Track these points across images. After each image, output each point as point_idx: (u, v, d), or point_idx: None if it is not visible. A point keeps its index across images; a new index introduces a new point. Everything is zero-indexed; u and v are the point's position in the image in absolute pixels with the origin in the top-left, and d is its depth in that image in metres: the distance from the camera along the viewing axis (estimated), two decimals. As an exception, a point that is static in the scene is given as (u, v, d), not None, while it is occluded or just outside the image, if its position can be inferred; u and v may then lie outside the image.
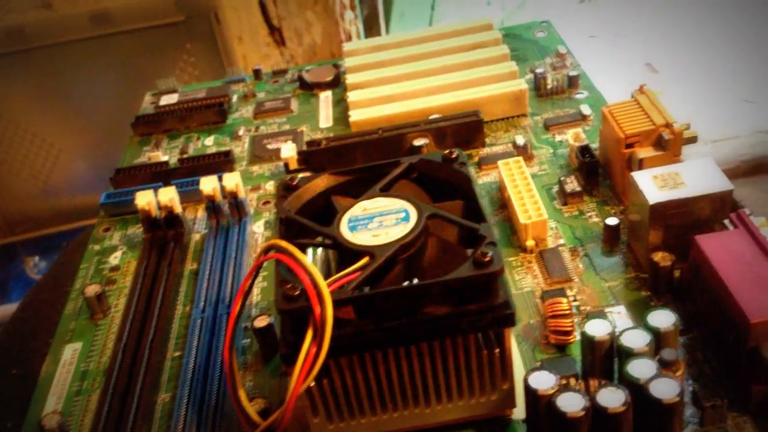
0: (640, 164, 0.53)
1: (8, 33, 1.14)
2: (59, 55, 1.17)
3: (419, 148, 0.62)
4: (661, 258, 0.47)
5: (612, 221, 0.52)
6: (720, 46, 0.74)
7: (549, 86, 0.71)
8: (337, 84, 0.80)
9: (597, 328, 0.41)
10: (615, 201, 0.56)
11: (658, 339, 0.40)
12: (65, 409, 0.47)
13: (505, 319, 0.37)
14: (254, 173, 0.68)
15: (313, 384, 0.38)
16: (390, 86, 0.71)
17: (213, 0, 1.15)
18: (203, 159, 0.69)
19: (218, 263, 0.56)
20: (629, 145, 0.54)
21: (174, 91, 0.82)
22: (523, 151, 0.62)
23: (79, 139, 1.25)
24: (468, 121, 0.64)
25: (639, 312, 0.46)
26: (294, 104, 0.78)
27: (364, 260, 0.38)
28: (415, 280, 0.39)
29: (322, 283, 0.35)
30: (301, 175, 0.46)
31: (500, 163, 0.58)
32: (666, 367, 0.38)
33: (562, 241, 0.53)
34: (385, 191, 0.43)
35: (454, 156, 0.44)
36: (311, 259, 0.43)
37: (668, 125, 0.53)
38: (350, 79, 0.74)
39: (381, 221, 0.40)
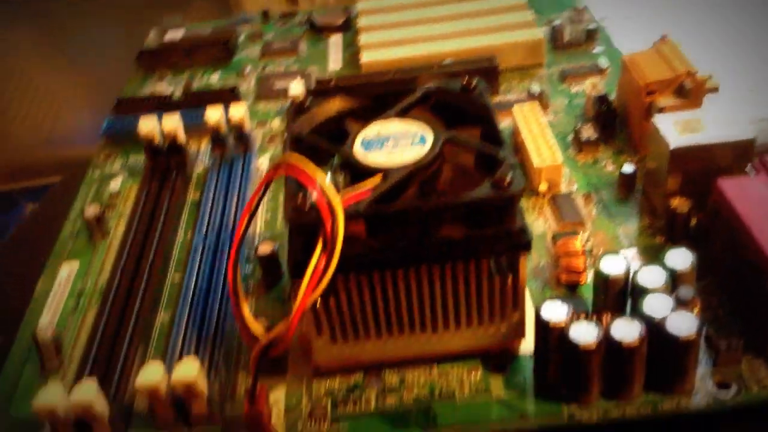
0: (660, 113, 0.51)
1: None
2: (64, 3, 1.14)
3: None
4: (678, 203, 0.46)
5: (628, 168, 0.51)
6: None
7: (566, 39, 0.69)
8: (347, 28, 0.78)
9: (612, 265, 0.40)
10: (631, 151, 0.55)
11: (675, 278, 0.39)
12: (60, 325, 0.45)
13: (522, 245, 0.35)
14: (260, 110, 0.67)
15: (319, 302, 0.37)
16: (403, 30, 0.70)
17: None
18: (208, 93, 0.67)
19: (222, 194, 0.54)
20: (650, 93, 0.52)
21: (180, 27, 0.80)
22: (539, 99, 0.61)
23: (82, 89, 1.22)
24: (483, 66, 0.63)
25: (653, 257, 0.45)
26: (302, 46, 0.76)
27: (378, 179, 0.36)
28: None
29: (335, 196, 0.34)
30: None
31: (515, 107, 0.57)
32: (682, 305, 0.37)
33: (575, 187, 0.52)
34: (401, 115, 0.41)
35: (473, 85, 0.42)
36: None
37: (690, 74, 0.52)
38: (362, 21, 0.72)
39: (396, 142, 0.38)
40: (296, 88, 0.64)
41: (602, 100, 0.58)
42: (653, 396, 0.37)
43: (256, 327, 0.36)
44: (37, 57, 1.19)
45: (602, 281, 0.40)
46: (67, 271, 0.50)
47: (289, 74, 0.71)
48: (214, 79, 0.73)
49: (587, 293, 0.44)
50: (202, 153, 0.61)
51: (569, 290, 0.44)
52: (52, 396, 0.36)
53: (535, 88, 0.61)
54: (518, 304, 0.38)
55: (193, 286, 0.46)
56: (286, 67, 0.73)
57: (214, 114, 0.58)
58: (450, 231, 0.36)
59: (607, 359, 0.36)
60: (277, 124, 0.64)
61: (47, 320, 0.46)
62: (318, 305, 0.37)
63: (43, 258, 0.52)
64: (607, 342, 0.35)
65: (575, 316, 0.37)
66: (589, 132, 0.56)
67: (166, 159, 0.58)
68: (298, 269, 0.34)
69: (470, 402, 0.38)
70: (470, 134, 0.41)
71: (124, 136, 0.63)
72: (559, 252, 0.45)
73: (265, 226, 0.52)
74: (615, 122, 0.57)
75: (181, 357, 0.41)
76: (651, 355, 0.36)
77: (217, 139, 0.59)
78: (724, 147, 0.45)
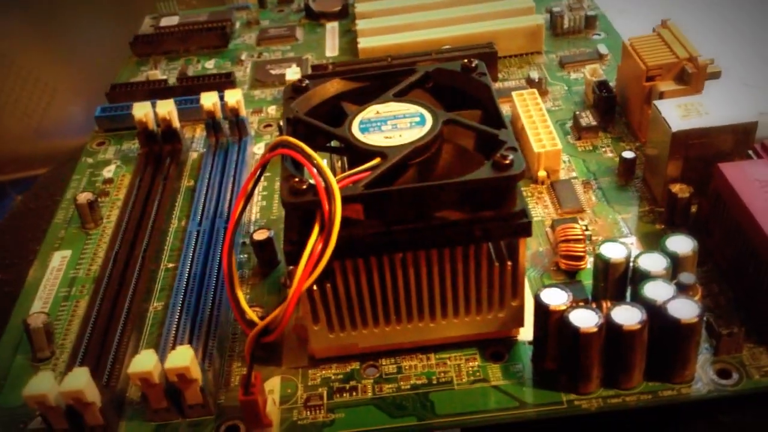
0: (661, 98, 0.51)
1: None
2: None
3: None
4: (679, 189, 0.45)
5: (628, 154, 0.50)
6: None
7: (566, 25, 0.68)
8: (344, 15, 0.77)
9: (612, 251, 0.39)
10: (631, 137, 0.54)
11: (676, 264, 0.38)
12: (52, 313, 0.45)
13: (521, 229, 0.35)
14: (256, 97, 0.66)
15: (315, 288, 0.36)
16: (401, 16, 0.69)
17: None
18: (203, 79, 0.66)
19: (216, 180, 0.54)
20: (650, 78, 0.52)
21: (175, 14, 0.79)
22: (538, 86, 0.60)
23: (74, 80, 1.21)
24: (481, 52, 0.62)
25: (652, 244, 0.45)
26: (299, 33, 0.75)
27: (376, 161, 0.36)
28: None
29: (331, 178, 0.33)
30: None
31: (514, 94, 0.56)
32: (683, 290, 0.37)
33: (574, 174, 0.51)
34: (400, 97, 0.41)
35: (473, 65, 0.41)
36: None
37: (692, 59, 0.51)
38: (360, 7, 0.71)
39: (395, 124, 0.38)
40: (293, 73, 0.63)
41: (602, 85, 0.57)
42: (653, 384, 0.37)
43: (251, 313, 0.35)
44: (27, 45, 1.18)
45: (603, 266, 0.39)
46: (59, 259, 0.49)
47: (285, 61, 0.70)
48: (210, 65, 0.72)
49: (587, 278, 0.43)
50: (197, 139, 0.61)
51: (569, 277, 0.44)
52: (42, 384, 0.35)
53: (534, 74, 0.61)
54: (517, 291, 0.37)
55: (187, 274, 0.45)
56: (283, 53, 0.73)
57: (209, 100, 0.57)
58: (449, 213, 0.35)
59: (607, 345, 0.35)
60: (272, 110, 0.63)
61: (39, 308, 0.45)
62: (314, 291, 0.36)
63: (33, 247, 0.51)
64: (607, 326, 0.35)
65: (575, 302, 0.36)
66: (588, 119, 0.55)
67: (160, 146, 0.57)
68: (293, 255, 0.33)
69: (468, 390, 0.38)
70: (471, 115, 0.40)
71: (118, 122, 0.62)
72: (558, 238, 0.44)
73: (261, 214, 0.51)
74: (614, 108, 0.56)
75: (174, 345, 0.40)
76: (652, 342, 0.36)
77: (212, 125, 0.58)
78: (725, 131, 0.45)
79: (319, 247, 0.33)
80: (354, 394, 0.38)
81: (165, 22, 0.77)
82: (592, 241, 0.46)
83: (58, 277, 0.48)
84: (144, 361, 0.36)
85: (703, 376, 0.37)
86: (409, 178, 0.36)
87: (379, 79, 0.42)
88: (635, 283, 0.38)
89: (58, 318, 0.45)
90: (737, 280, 0.41)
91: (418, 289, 0.37)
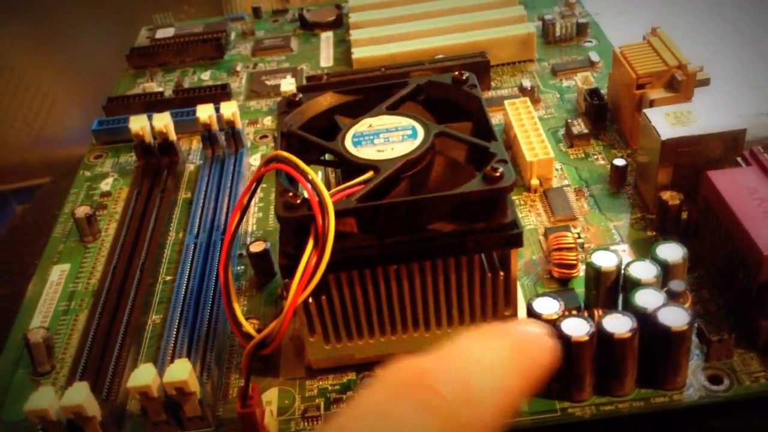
0: (651, 106, 0.51)
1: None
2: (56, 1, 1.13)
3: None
4: (670, 196, 0.46)
5: (619, 162, 0.51)
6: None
7: (557, 33, 0.69)
8: (339, 25, 0.78)
9: (604, 259, 0.39)
10: (622, 145, 0.55)
11: (666, 271, 0.39)
12: (51, 328, 0.45)
13: (513, 239, 0.35)
14: (251, 108, 0.66)
15: (311, 300, 0.37)
16: (395, 26, 0.69)
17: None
18: (199, 91, 0.67)
19: (213, 192, 0.54)
20: (641, 86, 0.52)
21: (170, 25, 0.80)
22: (530, 94, 0.61)
23: (74, 89, 1.22)
24: (474, 61, 0.62)
25: (644, 251, 0.45)
26: (294, 43, 0.76)
27: (368, 174, 0.36)
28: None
29: (325, 192, 0.34)
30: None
31: (506, 102, 0.56)
32: (674, 298, 0.37)
33: (566, 182, 0.52)
34: (392, 110, 0.41)
35: (464, 78, 0.42)
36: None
37: (681, 66, 0.51)
38: (354, 17, 0.72)
39: (387, 137, 0.38)
40: (288, 84, 0.64)
41: (594, 93, 0.57)
42: (646, 391, 0.37)
43: (248, 326, 0.36)
44: (27, 55, 1.18)
45: (594, 275, 0.40)
46: (58, 273, 0.50)
47: (280, 71, 0.71)
48: (206, 77, 0.72)
49: (579, 286, 0.43)
50: (193, 151, 0.61)
51: (562, 284, 0.44)
52: (43, 399, 0.36)
53: (527, 82, 0.61)
54: (510, 300, 0.38)
55: (184, 287, 0.46)
56: (278, 64, 0.73)
57: (204, 112, 0.58)
58: (441, 226, 0.35)
59: (598, 353, 0.36)
60: (268, 122, 0.64)
61: (38, 324, 0.45)
62: (310, 303, 0.37)
63: (33, 260, 0.52)
64: (599, 335, 0.35)
65: (567, 311, 0.37)
66: (580, 126, 0.56)
67: (157, 158, 0.58)
68: (288, 269, 0.34)
69: (463, 398, 0.38)
70: (462, 127, 0.40)
71: (115, 135, 0.63)
72: (551, 246, 0.45)
73: (258, 225, 0.52)
74: (606, 116, 0.57)
75: (173, 358, 0.41)
76: (643, 349, 0.36)
77: (208, 137, 0.58)
78: (714, 138, 0.45)
79: (314, 260, 0.33)
80: (351, 404, 0.39)
81: (161, 34, 0.77)
82: (585, 249, 0.46)
83: (58, 291, 0.48)
84: (143, 375, 0.37)
85: (694, 382, 0.37)
86: (402, 190, 0.37)
87: (372, 92, 0.43)
88: (626, 291, 0.39)
89: (58, 332, 0.45)
90: (727, 287, 0.41)
91: (413, 300, 0.37)
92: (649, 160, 0.48)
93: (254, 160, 0.59)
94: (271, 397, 0.40)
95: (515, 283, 0.38)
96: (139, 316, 0.45)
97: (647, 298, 0.37)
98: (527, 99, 0.57)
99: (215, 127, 0.58)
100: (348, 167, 0.38)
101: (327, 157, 0.41)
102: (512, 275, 0.37)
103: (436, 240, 0.35)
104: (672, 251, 0.40)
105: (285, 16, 0.82)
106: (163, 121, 0.57)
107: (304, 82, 0.64)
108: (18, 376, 0.43)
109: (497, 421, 0.23)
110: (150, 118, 0.57)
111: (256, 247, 0.47)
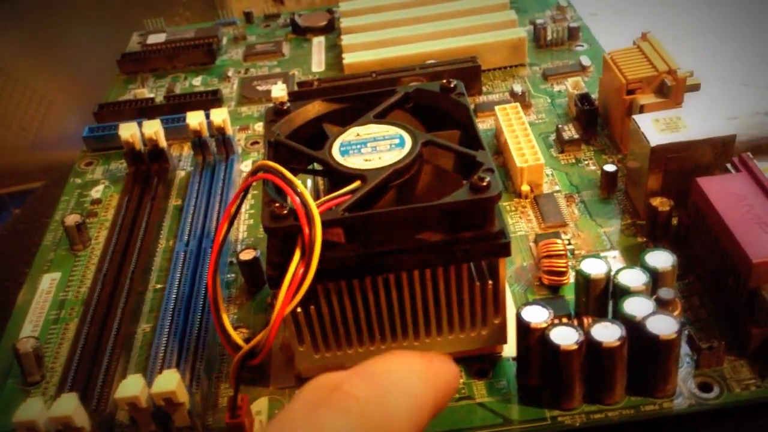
0: (641, 111, 0.51)
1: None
2: (50, 3, 1.13)
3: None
4: (659, 203, 0.46)
5: (610, 168, 0.51)
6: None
7: (549, 37, 0.69)
8: (330, 29, 0.78)
9: (593, 267, 0.39)
10: (613, 150, 0.55)
11: (656, 279, 0.39)
12: (41, 337, 0.45)
13: (501, 249, 0.35)
14: (243, 114, 0.66)
15: (299, 310, 0.37)
16: (386, 31, 0.69)
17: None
18: (190, 97, 0.66)
19: (203, 199, 0.54)
20: (630, 92, 0.52)
21: (162, 31, 0.79)
22: (521, 99, 0.61)
23: (70, 93, 1.21)
24: (465, 66, 0.62)
25: (634, 257, 0.45)
26: (286, 48, 0.76)
27: (356, 184, 0.36)
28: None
29: (311, 202, 0.34)
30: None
31: (497, 108, 0.56)
32: (663, 306, 0.37)
33: (557, 188, 0.52)
34: (380, 119, 0.41)
35: (452, 86, 0.42)
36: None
37: (671, 71, 0.51)
38: (345, 22, 0.72)
39: (374, 146, 0.38)
40: (279, 90, 0.64)
41: (584, 98, 0.57)
42: (636, 399, 0.37)
43: (236, 336, 0.36)
44: (22, 59, 1.18)
45: (583, 282, 0.40)
46: (49, 281, 0.49)
47: (272, 77, 0.71)
48: (197, 82, 0.72)
49: (569, 293, 0.43)
50: (184, 157, 0.61)
51: (552, 292, 0.44)
52: (32, 410, 0.36)
53: (518, 87, 0.61)
54: (499, 308, 0.38)
55: (174, 296, 0.45)
56: (270, 69, 0.73)
57: (195, 119, 0.57)
58: (429, 235, 0.35)
59: (588, 361, 0.36)
60: (259, 127, 0.64)
61: (28, 333, 0.45)
62: (298, 313, 0.37)
63: (22, 269, 0.51)
64: (587, 344, 0.35)
65: (556, 320, 0.37)
66: (570, 132, 0.56)
67: (148, 165, 0.58)
68: (275, 280, 0.34)
69: (453, 407, 0.38)
70: (450, 135, 0.40)
71: (106, 141, 0.62)
72: (541, 253, 0.45)
73: (248, 233, 0.52)
74: (597, 121, 0.57)
75: (162, 368, 0.40)
76: (632, 358, 0.36)
77: (198, 144, 0.58)
78: (704, 144, 0.45)
79: (301, 271, 0.33)
80: (340, 413, 0.39)
81: (152, 39, 0.77)
82: (575, 256, 0.46)
83: (48, 300, 0.48)
84: (131, 386, 0.36)
85: (684, 390, 0.37)
86: (389, 200, 0.37)
87: (360, 100, 0.43)
88: (616, 299, 0.39)
89: (48, 341, 0.45)
90: (718, 293, 0.41)
91: (401, 309, 0.37)
92: (638, 166, 0.48)
93: (245, 167, 0.59)
94: (261, 407, 0.39)
95: (504, 291, 0.38)
96: (128, 325, 0.45)
97: (636, 306, 0.37)
98: (518, 104, 0.57)
99: (206, 133, 0.58)
100: (335, 177, 0.38)
101: (315, 165, 0.41)
102: (501, 284, 0.37)
103: (423, 249, 0.35)
104: (661, 258, 0.40)
105: (277, 21, 0.82)
106: (153, 128, 0.57)
107: (296, 87, 0.64)
108: (8, 386, 0.43)
109: (412, 424, 0.26)
110: (140, 125, 0.57)
111: (246, 255, 0.46)
